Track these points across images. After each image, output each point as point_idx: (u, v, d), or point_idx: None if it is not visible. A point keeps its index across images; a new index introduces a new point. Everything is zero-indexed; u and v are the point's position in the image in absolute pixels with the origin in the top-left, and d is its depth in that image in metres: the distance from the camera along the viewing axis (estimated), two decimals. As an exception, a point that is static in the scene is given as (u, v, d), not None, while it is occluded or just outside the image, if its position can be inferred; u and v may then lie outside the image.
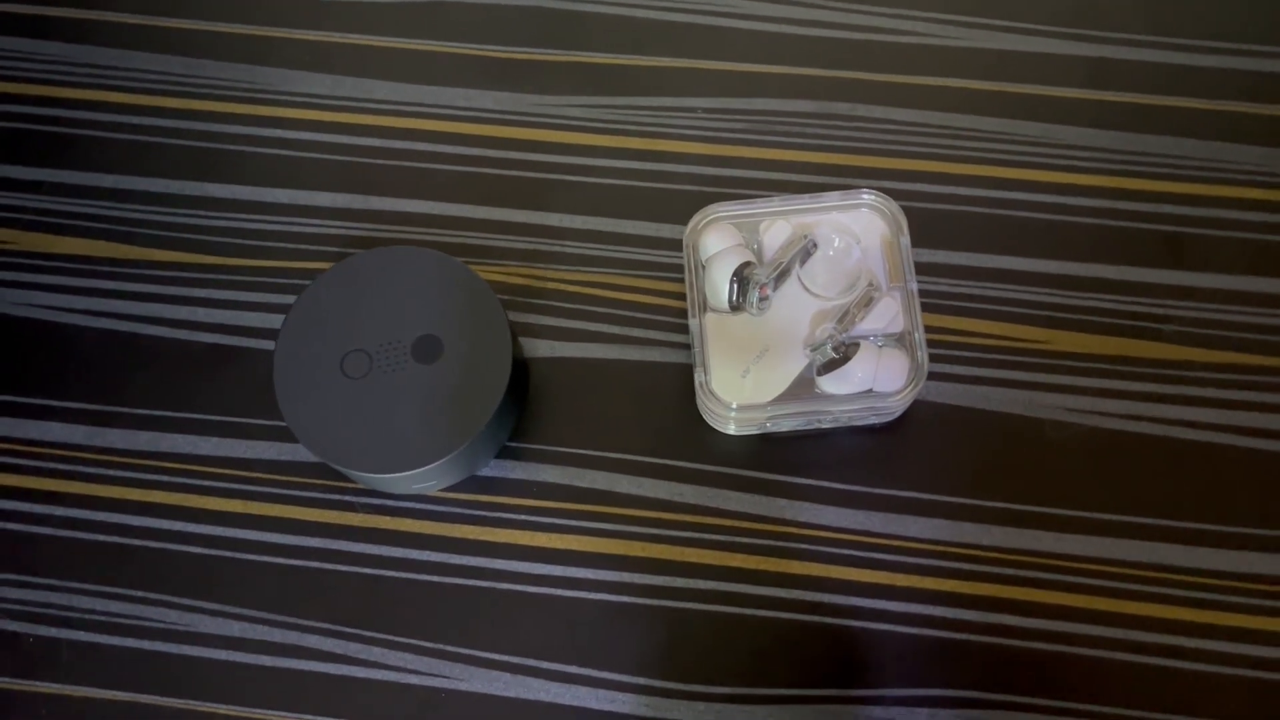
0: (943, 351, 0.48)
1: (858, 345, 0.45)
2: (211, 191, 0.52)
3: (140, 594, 0.46)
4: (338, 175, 0.52)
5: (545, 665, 0.45)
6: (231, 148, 0.53)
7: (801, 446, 0.47)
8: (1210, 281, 0.48)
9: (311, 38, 0.55)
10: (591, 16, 0.54)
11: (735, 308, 0.46)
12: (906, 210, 0.49)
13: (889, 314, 0.45)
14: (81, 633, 0.46)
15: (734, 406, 0.45)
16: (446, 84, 0.53)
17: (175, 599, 0.46)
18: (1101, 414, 0.47)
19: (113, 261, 0.51)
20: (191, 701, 0.45)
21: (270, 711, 0.45)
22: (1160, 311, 0.48)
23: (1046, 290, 0.49)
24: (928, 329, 0.48)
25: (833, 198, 0.47)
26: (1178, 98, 0.51)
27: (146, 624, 0.46)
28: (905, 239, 0.46)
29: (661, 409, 0.48)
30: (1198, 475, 0.46)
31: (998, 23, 0.53)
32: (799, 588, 0.45)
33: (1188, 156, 0.50)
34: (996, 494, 0.46)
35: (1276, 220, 0.49)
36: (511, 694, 0.45)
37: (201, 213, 0.52)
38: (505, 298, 0.50)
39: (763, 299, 0.45)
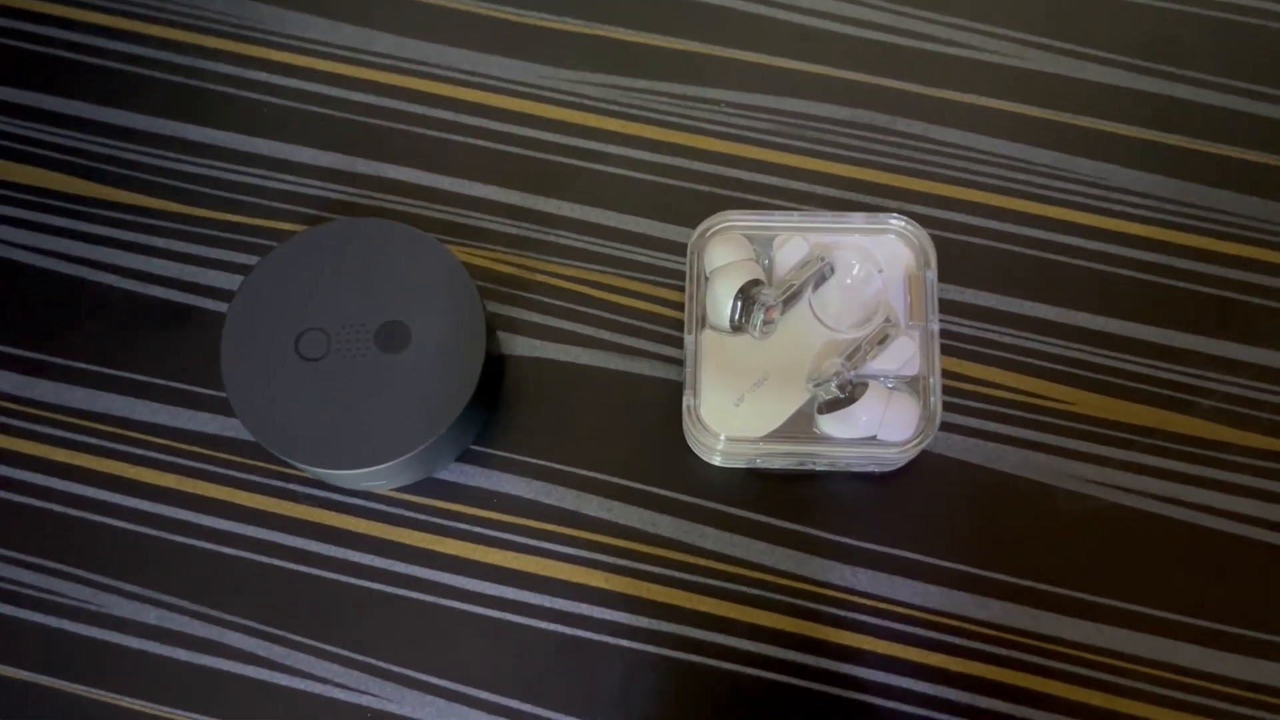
0: (957, 400, 0.44)
1: (866, 386, 0.40)
2: (186, 133, 0.48)
3: (53, 565, 0.42)
4: (324, 131, 0.48)
5: (485, 696, 0.41)
6: (213, 87, 0.48)
7: (791, 487, 0.43)
8: (1258, 357, 0.44)
9: (313, -23, 0.50)
10: (619, -12, 0.50)
11: (736, 328, 0.41)
12: (936, 240, 0.44)
13: (905, 355, 0.41)
14: (-15, 600, 0.42)
15: (723, 438, 0.40)
16: (453, 44, 0.49)
17: (90, 575, 0.42)
18: (1123, 489, 0.43)
19: (68, 197, 0.47)
20: (94, 690, 0.41)
21: (178, 711, 0.41)
22: (1199, 384, 0.44)
23: (1079, 346, 0.44)
24: (946, 375, 0.44)
25: (858, 219, 0.42)
26: (1248, 150, 0.46)
27: (55, 599, 0.42)
28: (932, 274, 0.42)
29: (643, 428, 0.44)
30: (1223, 569, 0.42)
31: (1060, 45, 0.48)
32: (772, 643, 0.41)
33: (1251, 217, 0.46)
34: (998, 564, 0.42)
35: (1340, 298, 0.45)
36: (444, 722, 0.41)
37: (172, 155, 0.47)
38: (487, 286, 0.45)
39: (768, 322, 0.41)
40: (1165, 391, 0.44)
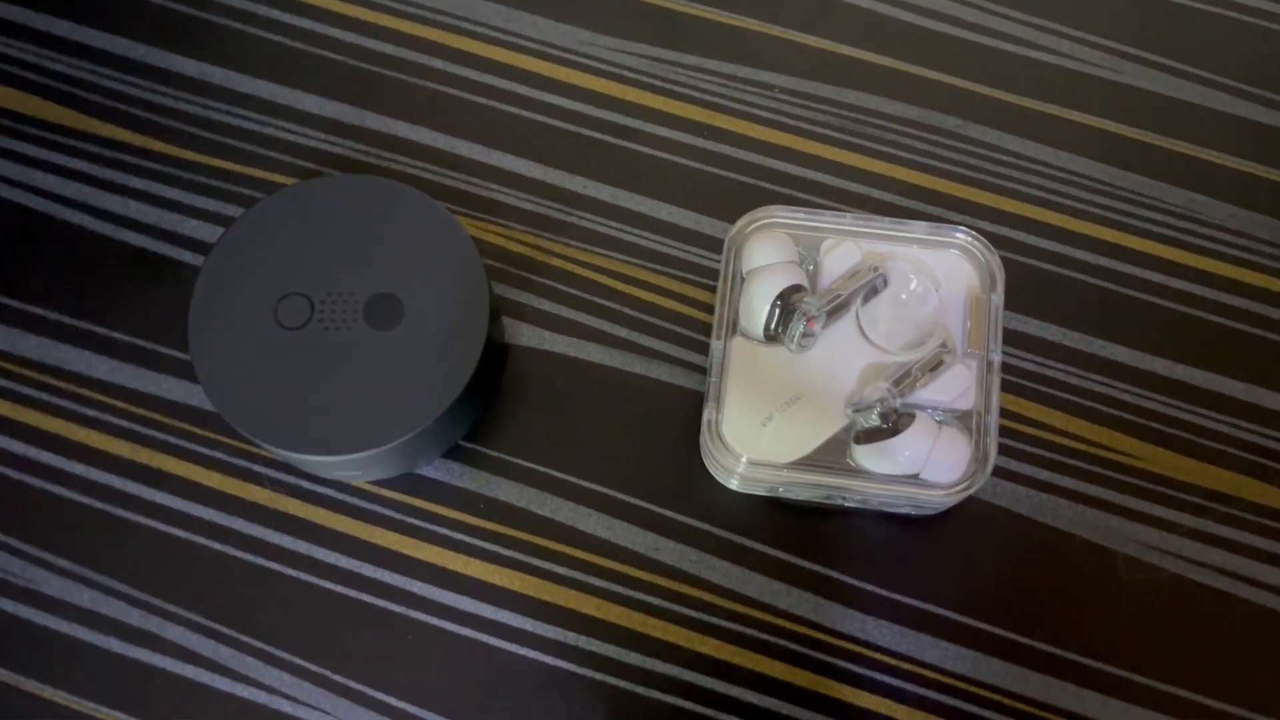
0: (1012, 443, 0.39)
1: (913, 417, 0.35)
2: (181, 67, 0.43)
3: (-18, 531, 0.38)
4: (332, 78, 0.43)
5: (448, 725, 0.36)
6: (215, 20, 0.44)
7: (815, 523, 0.38)
8: (1355, 426, 0.39)
9: (340, -89, 0.45)
10: (674, -47, 0.45)
11: (771, 338, 0.37)
12: (1006, 262, 0.39)
13: (959, 386, 0.36)
14: (-96, 562, 0.38)
15: (744, 460, 0.36)
16: (485, -3, 0.44)
17: (21, 545, 0.38)
18: (1192, 561, 0.37)
19: (44, 124, 0.42)
20: (12, 674, 0.37)
21: (104, 709, 0.36)
22: (1288, 450, 0.39)
23: (1153, 395, 0.39)
24: (1003, 415, 0.39)
25: (919, 228, 0.37)
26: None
27: (-20, 569, 0.38)
28: (998, 298, 0.37)
29: (656, 441, 0.39)
30: (1297, 664, 0.37)
31: (1157, 59, 0.43)
32: (778, 696, 0.36)
33: (1360, 268, 0.41)
34: (1042, 632, 0.37)
35: None
36: (400, 750, 0.36)
37: (164, 89, 0.43)
38: (496, 265, 0.41)
39: (808, 334, 0.36)
40: (1247, 455, 0.38)
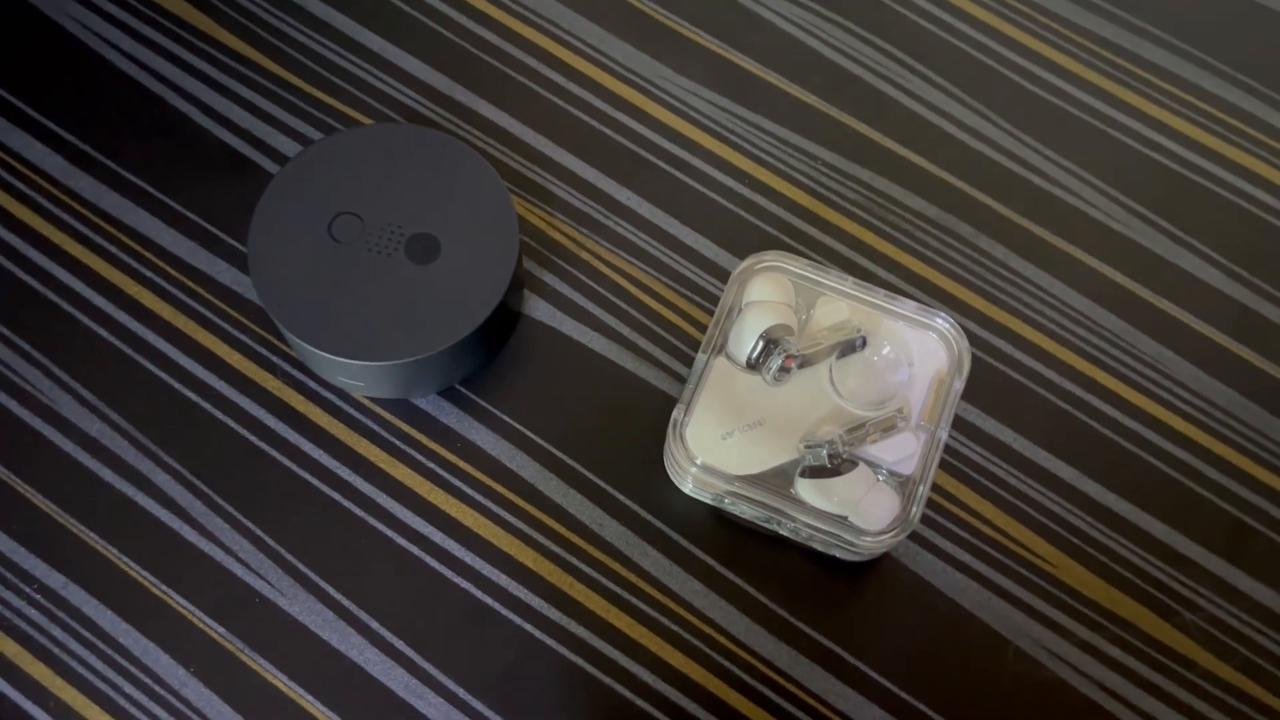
0: (941, 520, 0.42)
1: (855, 465, 0.39)
2: (310, 5, 0.49)
3: (25, 345, 0.42)
4: (437, 49, 0.48)
5: (375, 625, 0.39)
6: (353, -24, 0.50)
7: (748, 542, 0.41)
8: (1258, 592, 0.42)
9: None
10: (764, 22, 0.50)
11: (751, 366, 0.40)
12: (977, 362, 0.43)
13: (905, 451, 0.40)
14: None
15: (699, 462, 0.39)
16: (589, 16, 0.49)
17: (53, 367, 0.42)
18: (1077, 670, 0.40)
19: (180, 22, 0.48)
20: (11, 474, 0.41)
21: (79, 525, 0.40)
22: (1191, 596, 0.41)
23: (1082, 514, 0.42)
24: (939, 492, 0.42)
25: (908, 306, 0.41)
26: (1316, 389, 0.45)
27: (13, 376, 0.42)
28: (960, 384, 0.40)
29: (627, 432, 0.43)
30: (1147, 787, 0.39)
31: (1164, 224, 0.47)
32: (670, 683, 0.39)
33: (1298, 453, 0.44)
34: (923, 694, 0.40)
35: (1361, 566, 0.42)
36: (326, 636, 0.39)
37: (289, 19, 0.48)
38: (531, 244, 0.45)
39: (784, 369, 0.40)
40: (1153, 591, 0.42)
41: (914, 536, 0.42)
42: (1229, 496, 0.43)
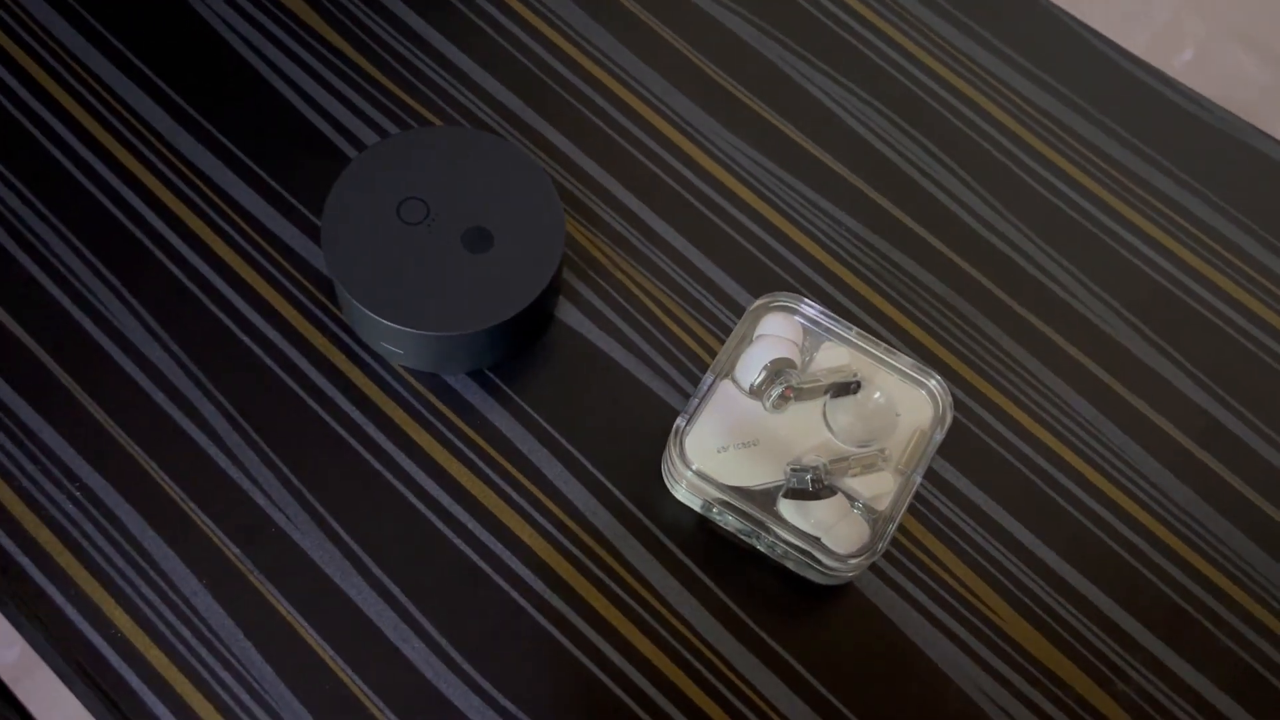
0: (907, 563, 0.46)
1: (834, 493, 0.43)
2: (409, 19, 0.54)
3: (100, 266, 0.47)
4: (516, 74, 0.53)
5: (374, 569, 0.43)
6: (452, 0, 0.55)
7: (729, 554, 0.45)
8: (1187, 673, 0.45)
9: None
10: (809, 97, 0.55)
11: (753, 392, 0.44)
12: (960, 428, 0.47)
13: (881, 488, 0.43)
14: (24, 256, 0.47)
15: (694, 468, 0.43)
16: (657, 69, 0.55)
17: (125, 293, 0.47)
18: (1010, 716, 0.43)
19: (294, 17, 0.53)
20: (75, 386, 0.45)
21: (130, 441, 0.44)
22: (1126, 668, 0.45)
23: (1035, 578, 0.46)
24: (907, 536, 0.46)
25: (904, 361, 0.45)
26: (1264, 500, 0.48)
27: (74, 282, 0.46)
28: (939, 437, 0.44)
29: (633, 436, 0.46)
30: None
31: (1147, 330, 0.51)
32: (640, 670, 0.43)
33: (1237, 553, 0.47)
34: (865, 715, 0.43)
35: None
36: (329, 572, 0.43)
37: (389, 28, 0.54)
38: (573, 256, 0.50)
39: (784, 398, 0.44)
40: (1092, 658, 0.45)
41: (879, 573, 0.45)
42: (1172, 583, 0.46)
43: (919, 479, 0.44)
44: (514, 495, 0.45)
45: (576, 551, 0.44)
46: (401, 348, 0.45)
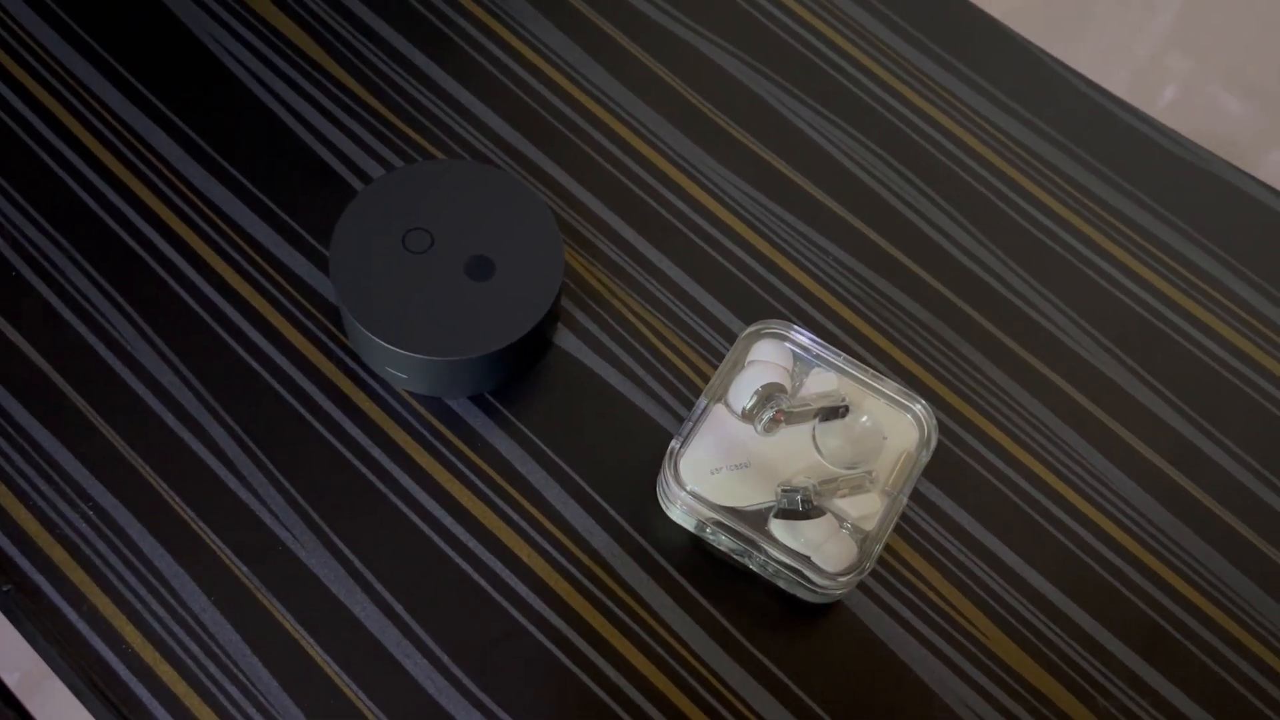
0: (894, 581, 0.47)
1: (823, 513, 0.44)
2: (416, 58, 0.56)
3: (114, 294, 0.49)
4: (516, 109, 0.55)
5: (378, 586, 0.44)
6: (455, 39, 0.57)
7: (721, 572, 0.46)
8: (1169, 691, 0.46)
9: None
10: (799, 133, 0.57)
11: (745, 415, 0.46)
12: (946, 453, 0.49)
13: (868, 509, 0.45)
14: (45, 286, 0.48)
15: (689, 488, 0.44)
16: (653, 105, 0.57)
17: (137, 318, 0.48)
18: (994, 732, 0.45)
19: (303, 55, 0.55)
20: (89, 409, 0.46)
21: (141, 462, 0.46)
22: (1106, 685, 0.46)
23: (1020, 598, 0.47)
24: (894, 556, 0.48)
25: (891, 386, 0.47)
26: (1242, 524, 0.50)
27: (89, 309, 0.48)
28: (926, 457, 0.46)
29: (628, 460, 0.48)
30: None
31: (1127, 359, 0.53)
32: (630, 682, 0.44)
33: (1216, 575, 0.49)
34: (855, 731, 0.44)
35: (1265, 684, 0.47)
36: (334, 589, 0.44)
37: (394, 65, 0.56)
38: (571, 285, 0.51)
39: (774, 421, 0.46)
40: (1073, 675, 0.46)
41: (867, 592, 0.47)
42: (1151, 601, 0.48)
43: (905, 500, 0.45)
44: (514, 516, 0.46)
45: (574, 571, 0.46)
46: (406, 372, 0.46)
